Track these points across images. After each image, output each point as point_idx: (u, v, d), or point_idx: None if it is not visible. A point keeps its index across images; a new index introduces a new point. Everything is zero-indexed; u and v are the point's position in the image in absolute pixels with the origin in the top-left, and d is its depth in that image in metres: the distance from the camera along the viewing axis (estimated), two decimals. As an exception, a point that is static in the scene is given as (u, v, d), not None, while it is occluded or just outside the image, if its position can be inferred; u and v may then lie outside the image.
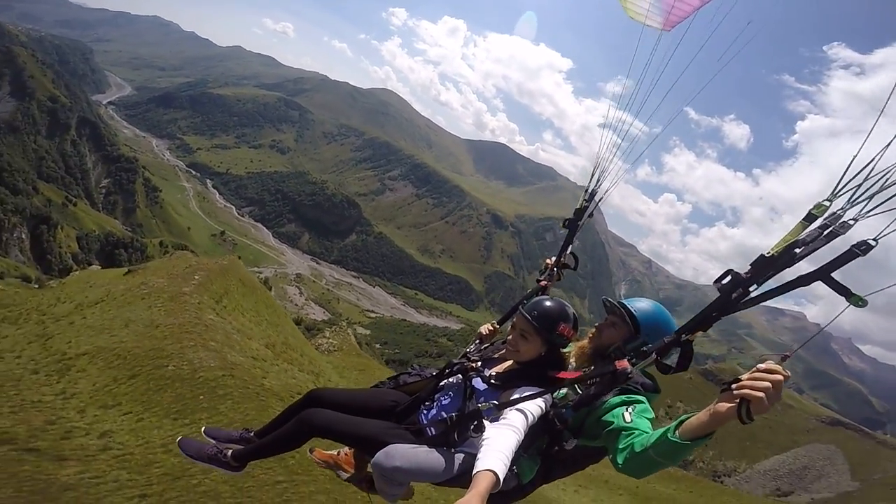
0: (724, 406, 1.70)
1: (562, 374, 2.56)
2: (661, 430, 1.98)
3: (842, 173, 1.63)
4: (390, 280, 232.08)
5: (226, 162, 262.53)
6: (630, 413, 2.27)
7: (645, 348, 2.35)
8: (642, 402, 2.36)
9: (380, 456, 2.33)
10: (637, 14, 3.74)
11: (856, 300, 1.66)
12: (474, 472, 1.95)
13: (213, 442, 2.89)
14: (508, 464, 2.01)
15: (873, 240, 1.59)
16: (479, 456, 2.05)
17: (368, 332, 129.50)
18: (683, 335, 2.18)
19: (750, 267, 1.90)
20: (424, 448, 2.41)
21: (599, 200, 3.58)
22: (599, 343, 2.68)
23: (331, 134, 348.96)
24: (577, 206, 3.55)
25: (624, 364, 2.25)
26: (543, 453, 2.54)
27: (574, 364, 2.75)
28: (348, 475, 3.10)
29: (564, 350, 2.78)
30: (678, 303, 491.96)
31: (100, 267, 59.39)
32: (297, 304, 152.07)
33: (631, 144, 3.38)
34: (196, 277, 24.54)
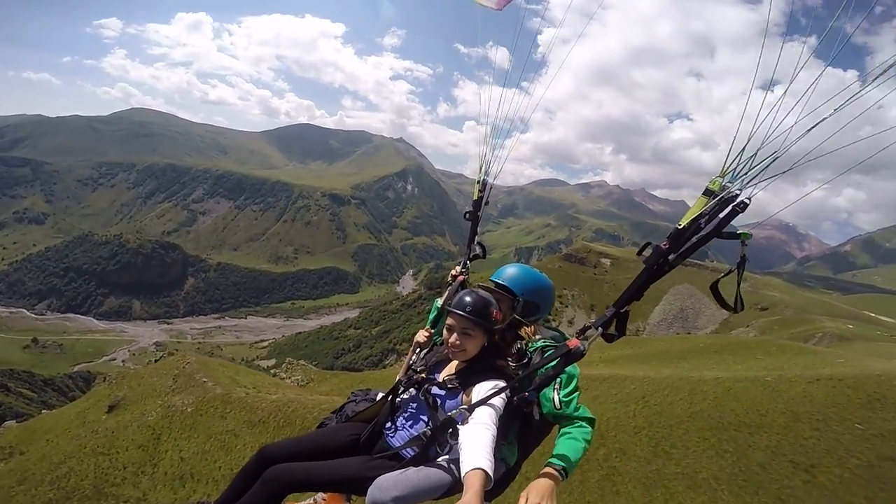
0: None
1: (502, 363, 2.64)
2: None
3: (725, 157, 2.13)
4: (258, 304, 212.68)
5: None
6: (558, 394, 2.53)
7: (590, 325, 2.44)
8: (572, 373, 2.58)
9: (374, 492, 2.27)
10: None
11: (745, 236, 2.14)
12: (463, 474, 1.97)
13: None
14: (492, 459, 2.05)
15: (748, 199, 2.12)
16: (462, 458, 2.07)
17: (273, 360, 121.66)
18: (622, 308, 2.38)
19: (667, 239, 2.27)
20: (412, 469, 2.38)
21: (490, 189, 3.74)
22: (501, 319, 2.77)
23: (91, 179, 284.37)
24: (474, 198, 3.71)
25: (575, 342, 2.41)
26: (517, 436, 2.69)
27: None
28: None
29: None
30: (515, 206, 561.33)
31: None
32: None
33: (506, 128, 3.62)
34: (204, 380, 23.60)
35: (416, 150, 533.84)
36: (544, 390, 2.55)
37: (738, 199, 2.14)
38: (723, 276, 2.38)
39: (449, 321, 2.66)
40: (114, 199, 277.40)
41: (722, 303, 2.39)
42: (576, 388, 2.60)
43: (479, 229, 3.72)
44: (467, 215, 3.73)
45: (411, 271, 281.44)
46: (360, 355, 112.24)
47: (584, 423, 2.55)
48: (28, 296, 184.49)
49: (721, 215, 2.16)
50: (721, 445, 11.60)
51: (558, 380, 2.54)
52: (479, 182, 3.72)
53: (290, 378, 48.03)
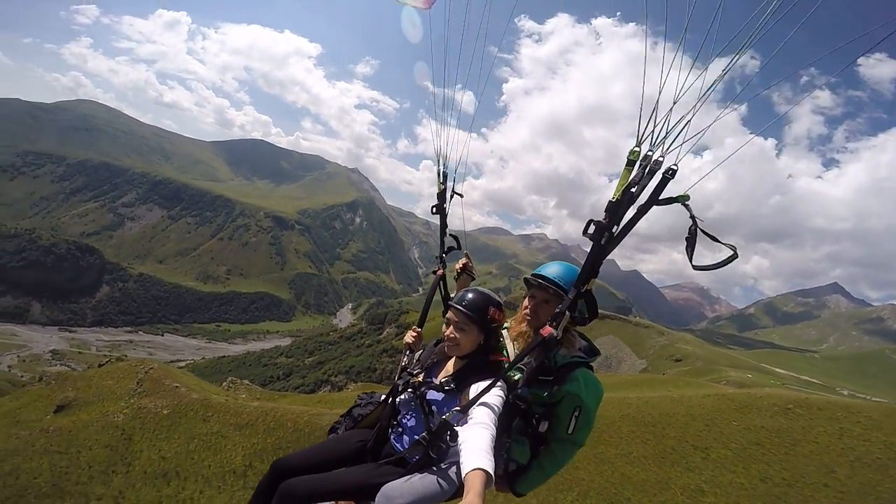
0: None
1: (500, 358, 2.71)
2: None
3: (638, 126, 2.16)
4: (178, 322, 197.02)
5: None
6: (574, 425, 2.58)
7: (557, 309, 2.46)
8: (589, 408, 2.61)
9: (379, 500, 2.33)
10: None
11: (683, 198, 2.13)
12: (463, 475, 1.95)
13: None
14: (493, 458, 2.03)
15: (675, 165, 2.14)
16: (461, 460, 2.06)
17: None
18: (582, 287, 2.41)
19: (605, 213, 2.27)
20: (417, 476, 2.40)
21: (454, 182, 3.66)
22: (540, 322, 2.70)
23: (13, 166, 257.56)
24: (438, 191, 3.63)
25: (548, 330, 2.41)
26: (525, 433, 2.69)
27: (517, 348, 2.84)
28: None
29: (500, 332, 2.86)
30: (460, 251, 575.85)
31: None
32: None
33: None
34: (176, 385, 24.14)
35: (369, 183, 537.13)
36: (561, 414, 2.61)
37: (666, 167, 2.15)
38: (727, 262, 2.20)
39: (448, 315, 2.77)
40: (33, 191, 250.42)
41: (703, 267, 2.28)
42: (590, 425, 2.67)
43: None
44: (434, 209, 3.67)
45: (350, 305, 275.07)
46: (289, 384, 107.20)
47: (570, 448, 2.69)
48: None
49: (653, 184, 2.18)
50: (644, 436, 15.52)
51: (578, 408, 2.59)
52: (439, 174, 3.66)
53: (235, 393, 46.64)
